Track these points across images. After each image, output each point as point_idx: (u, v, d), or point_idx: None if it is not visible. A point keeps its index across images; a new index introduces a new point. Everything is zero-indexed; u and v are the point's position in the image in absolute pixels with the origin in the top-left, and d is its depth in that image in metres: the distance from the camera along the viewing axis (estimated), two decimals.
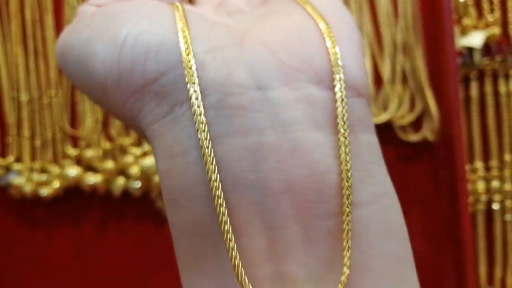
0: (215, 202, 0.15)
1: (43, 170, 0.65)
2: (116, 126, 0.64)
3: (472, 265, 0.63)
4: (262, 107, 0.15)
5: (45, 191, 0.64)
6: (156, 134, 0.16)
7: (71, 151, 0.64)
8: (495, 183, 0.74)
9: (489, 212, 0.75)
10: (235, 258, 0.14)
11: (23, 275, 0.66)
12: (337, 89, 0.15)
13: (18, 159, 0.65)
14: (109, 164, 0.63)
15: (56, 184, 0.64)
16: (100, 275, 0.65)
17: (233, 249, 0.14)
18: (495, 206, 0.74)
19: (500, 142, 0.75)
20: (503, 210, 0.75)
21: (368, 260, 0.15)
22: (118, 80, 0.17)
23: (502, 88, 0.74)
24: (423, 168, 0.67)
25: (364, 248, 0.15)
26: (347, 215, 0.15)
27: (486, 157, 0.75)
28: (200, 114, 0.15)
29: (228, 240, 0.14)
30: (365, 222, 0.16)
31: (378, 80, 0.66)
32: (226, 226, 0.14)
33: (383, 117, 0.65)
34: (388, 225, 0.16)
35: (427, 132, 0.66)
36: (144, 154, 0.64)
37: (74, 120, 0.66)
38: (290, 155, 0.15)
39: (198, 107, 0.15)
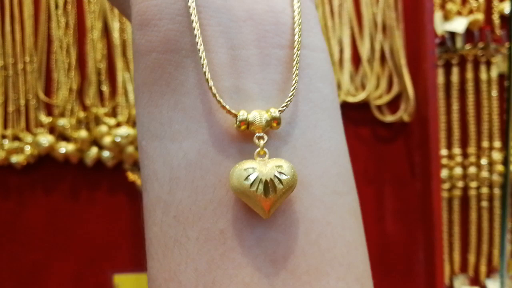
0: (191, 16, 0.16)
1: (15, 138, 0.64)
2: (90, 95, 0.64)
3: (441, 246, 0.63)
4: None
5: (16, 158, 0.63)
6: None
7: (44, 119, 0.64)
8: (472, 170, 0.74)
9: (465, 199, 0.75)
10: (206, 66, 0.16)
11: None
12: None
13: None
14: (83, 134, 0.63)
15: (28, 152, 0.63)
16: (71, 243, 0.65)
17: (204, 60, 0.16)
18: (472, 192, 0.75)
19: (478, 129, 0.75)
20: (479, 197, 0.75)
21: (308, 93, 0.18)
22: None
23: (483, 75, 0.74)
24: (398, 149, 0.67)
25: (306, 81, 0.18)
26: (298, 49, 0.17)
27: (464, 144, 0.75)
28: None
29: (201, 52, 0.16)
30: (309, 62, 0.18)
31: (356, 58, 0.66)
32: (199, 39, 0.16)
33: (360, 96, 0.65)
34: (324, 71, 0.19)
35: (404, 114, 0.66)
36: (118, 124, 0.64)
37: (48, 88, 0.65)
38: None
39: None
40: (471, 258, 0.75)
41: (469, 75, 0.74)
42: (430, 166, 0.63)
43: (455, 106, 0.74)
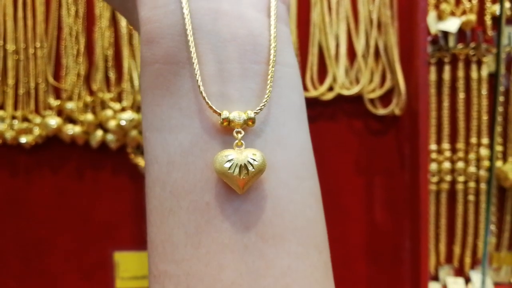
0: (188, 37, 0.21)
1: (24, 119, 0.67)
2: (97, 81, 0.67)
3: (427, 235, 0.66)
4: None
5: (25, 139, 0.66)
6: None
7: (53, 102, 0.67)
8: (460, 165, 0.77)
9: (452, 192, 0.78)
10: (199, 76, 0.20)
11: (0, 219, 0.68)
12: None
13: (1, 107, 0.67)
14: (89, 117, 0.66)
15: (37, 133, 0.66)
16: (74, 221, 0.68)
17: (197, 71, 0.20)
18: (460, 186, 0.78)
19: (467, 126, 0.78)
20: (466, 191, 0.78)
21: (279, 99, 0.22)
22: None
23: (474, 74, 0.77)
24: (388, 141, 0.70)
25: (278, 90, 0.22)
26: (272, 66, 0.21)
27: (453, 139, 0.78)
28: None
29: (195, 64, 0.21)
30: (281, 75, 0.22)
31: (352, 54, 0.69)
32: (194, 54, 0.21)
33: (354, 89, 0.68)
34: (293, 82, 0.23)
35: (395, 107, 0.69)
36: (123, 109, 0.67)
37: (57, 73, 0.68)
38: (237, 19, 0.22)
39: None
40: (457, 250, 0.78)
41: (460, 73, 0.77)
42: (419, 158, 0.65)
43: (446, 103, 0.77)
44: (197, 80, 0.20)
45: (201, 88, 0.20)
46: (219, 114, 0.20)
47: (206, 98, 0.20)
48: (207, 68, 0.21)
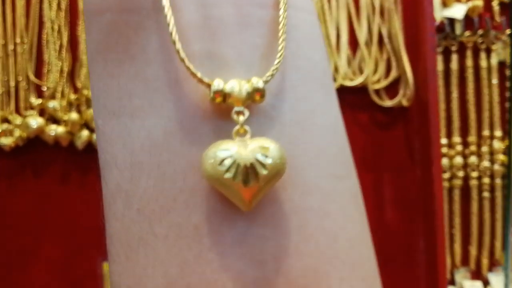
0: None
1: (4, 120, 0.64)
2: (82, 77, 0.63)
3: (443, 232, 0.61)
4: None
5: (5, 141, 0.63)
6: None
7: (34, 101, 0.63)
8: (472, 159, 0.73)
9: (466, 189, 0.74)
10: (173, 27, 0.14)
11: None
12: None
13: None
14: (73, 116, 0.62)
15: (17, 134, 0.63)
16: (60, 228, 0.64)
17: (170, 19, 0.14)
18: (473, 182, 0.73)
19: (479, 118, 0.74)
20: (480, 187, 0.74)
21: (296, 59, 0.15)
22: None
23: (483, 62, 0.73)
24: (397, 135, 0.66)
25: (293, 46, 0.15)
26: (284, 10, 0.15)
27: (464, 132, 0.74)
28: None
29: (166, 9, 0.14)
30: (296, 23, 0.15)
31: (354, 42, 0.65)
32: None
33: (358, 80, 0.64)
34: (313, 35, 0.16)
35: (402, 98, 0.65)
36: None
37: (39, 69, 0.65)
38: None
39: None
40: (473, 251, 0.73)
41: (469, 62, 0.73)
42: (430, 151, 0.61)
43: (455, 94, 0.73)
44: (171, 33, 0.13)
45: (178, 45, 0.13)
46: (208, 86, 0.14)
47: (185, 59, 0.13)
48: (186, 16, 0.14)
